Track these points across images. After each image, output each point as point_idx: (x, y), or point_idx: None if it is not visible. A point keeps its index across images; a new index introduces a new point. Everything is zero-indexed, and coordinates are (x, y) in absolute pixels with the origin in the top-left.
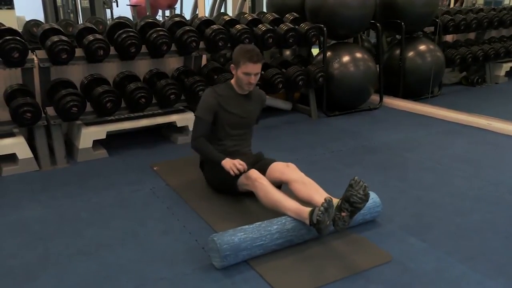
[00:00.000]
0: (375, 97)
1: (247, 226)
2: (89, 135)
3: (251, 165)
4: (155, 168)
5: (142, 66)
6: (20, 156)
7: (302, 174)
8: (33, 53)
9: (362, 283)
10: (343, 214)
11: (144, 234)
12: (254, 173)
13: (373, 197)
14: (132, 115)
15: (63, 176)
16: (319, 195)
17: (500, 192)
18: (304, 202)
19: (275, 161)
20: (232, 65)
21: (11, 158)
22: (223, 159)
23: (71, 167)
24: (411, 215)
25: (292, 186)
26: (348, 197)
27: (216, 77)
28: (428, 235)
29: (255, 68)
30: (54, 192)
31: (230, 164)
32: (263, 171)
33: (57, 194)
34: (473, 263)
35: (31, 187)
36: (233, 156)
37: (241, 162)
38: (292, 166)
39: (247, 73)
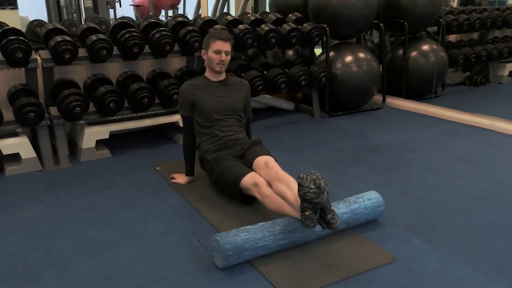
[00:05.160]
0: (378, 97)
1: (250, 226)
2: (92, 135)
3: (240, 157)
4: (157, 168)
5: (145, 66)
6: (23, 155)
7: (278, 171)
8: (37, 53)
9: (364, 283)
10: (307, 213)
11: (146, 234)
12: (254, 178)
13: (375, 196)
14: (135, 115)
15: (66, 175)
16: (290, 192)
17: (503, 192)
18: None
19: (258, 154)
20: (203, 50)
21: (15, 157)
22: (185, 173)
23: (74, 167)
24: (414, 215)
25: (272, 186)
26: (302, 196)
27: None
28: (431, 236)
29: (225, 46)
30: (57, 192)
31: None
32: (250, 163)
33: (60, 193)
34: (476, 263)
35: (34, 187)
36: (228, 147)
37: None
38: (270, 164)
39: (217, 50)
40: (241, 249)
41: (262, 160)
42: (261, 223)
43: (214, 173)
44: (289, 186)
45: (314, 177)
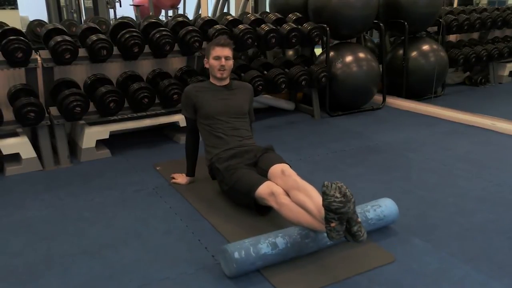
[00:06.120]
0: (378, 97)
1: (270, 252)
2: (92, 135)
3: (253, 166)
4: (158, 168)
5: (145, 66)
6: (23, 155)
7: (297, 179)
8: (37, 53)
9: (365, 283)
10: (332, 224)
11: (147, 234)
12: (270, 187)
13: (396, 219)
14: (135, 115)
15: (67, 175)
16: (311, 202)
17: (504, 192)
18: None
19: (273, 162)
20: (205, 59)
21: (15, 157)
22: (186, 173)
23: (74, 167)
24: (415, 215)
25: (290, 195)
26: (328, 206)
27: None
28: (432, 236)
29: (224, 51)
30: (58, 192)
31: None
32: (264, 172)
33: (60, 193)
34: (476, 263)
35: (35, 187)
36: (239, 155)
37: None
38: (287, 173)
39: (216, 56)
40: (252, 271)
41: (278, 168)
42: (281, 245)
43: (226, 183)
44: (309, 195)
45: (340, 185)
